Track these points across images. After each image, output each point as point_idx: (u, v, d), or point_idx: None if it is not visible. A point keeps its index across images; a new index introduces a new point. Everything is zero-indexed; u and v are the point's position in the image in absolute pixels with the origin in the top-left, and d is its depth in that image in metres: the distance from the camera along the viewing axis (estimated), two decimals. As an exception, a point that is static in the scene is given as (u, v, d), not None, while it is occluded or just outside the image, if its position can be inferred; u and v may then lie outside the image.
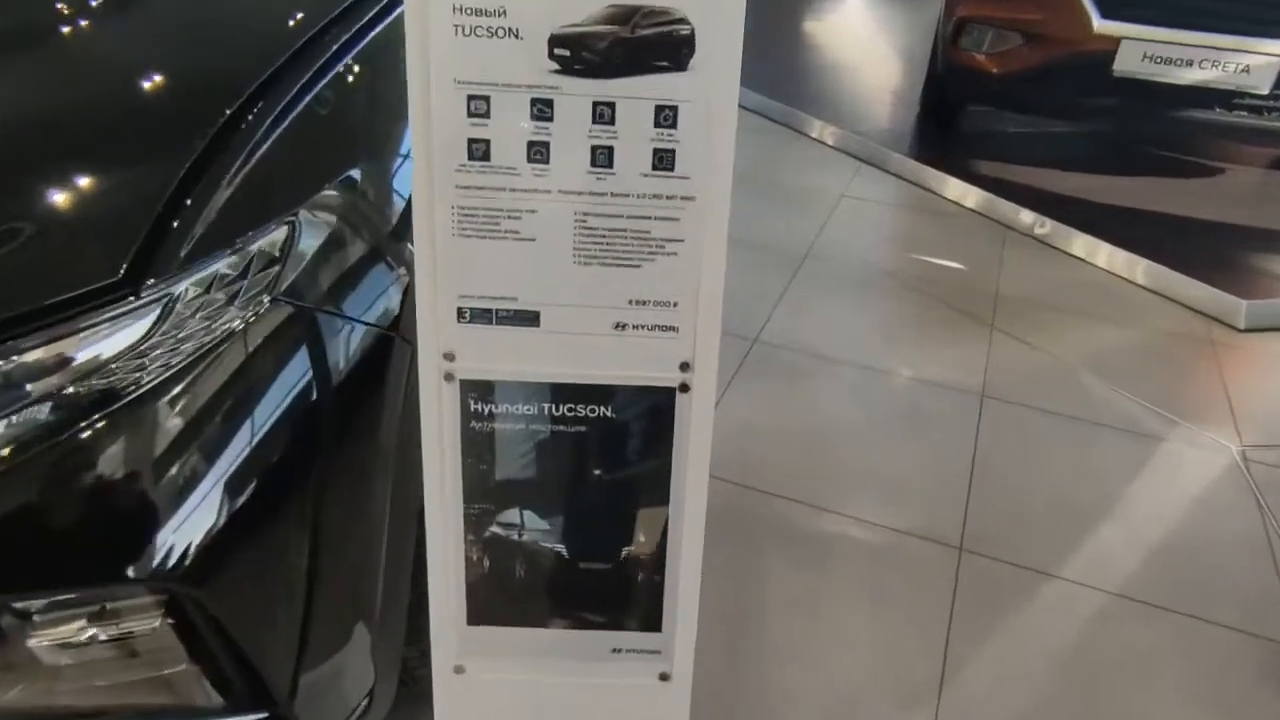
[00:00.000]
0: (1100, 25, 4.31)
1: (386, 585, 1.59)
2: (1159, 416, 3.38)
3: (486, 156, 1.21)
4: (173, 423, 1.27)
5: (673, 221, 1.24)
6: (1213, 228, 4.43)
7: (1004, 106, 4.93)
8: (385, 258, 1.52)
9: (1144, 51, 4.35)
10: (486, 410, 1.34)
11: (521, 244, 1.25)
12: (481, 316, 1.29)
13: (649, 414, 1.34)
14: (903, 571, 2.71)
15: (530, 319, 1.29)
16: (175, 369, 1.24)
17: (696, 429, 1.34)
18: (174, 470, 1.27)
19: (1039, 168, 4.81)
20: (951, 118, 5.10)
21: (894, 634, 2.49)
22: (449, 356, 1.31)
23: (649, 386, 1.33)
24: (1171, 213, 4.49)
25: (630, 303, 1.28)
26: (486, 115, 1.18)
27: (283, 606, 1.41)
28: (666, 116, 1.19)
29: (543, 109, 1.18)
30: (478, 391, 1.33)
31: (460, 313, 1.29)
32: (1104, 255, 4.19)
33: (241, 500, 1.31)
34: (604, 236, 1.25)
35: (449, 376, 1.32)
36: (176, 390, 1.26)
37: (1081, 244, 4.24)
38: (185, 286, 1.25)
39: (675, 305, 1.29)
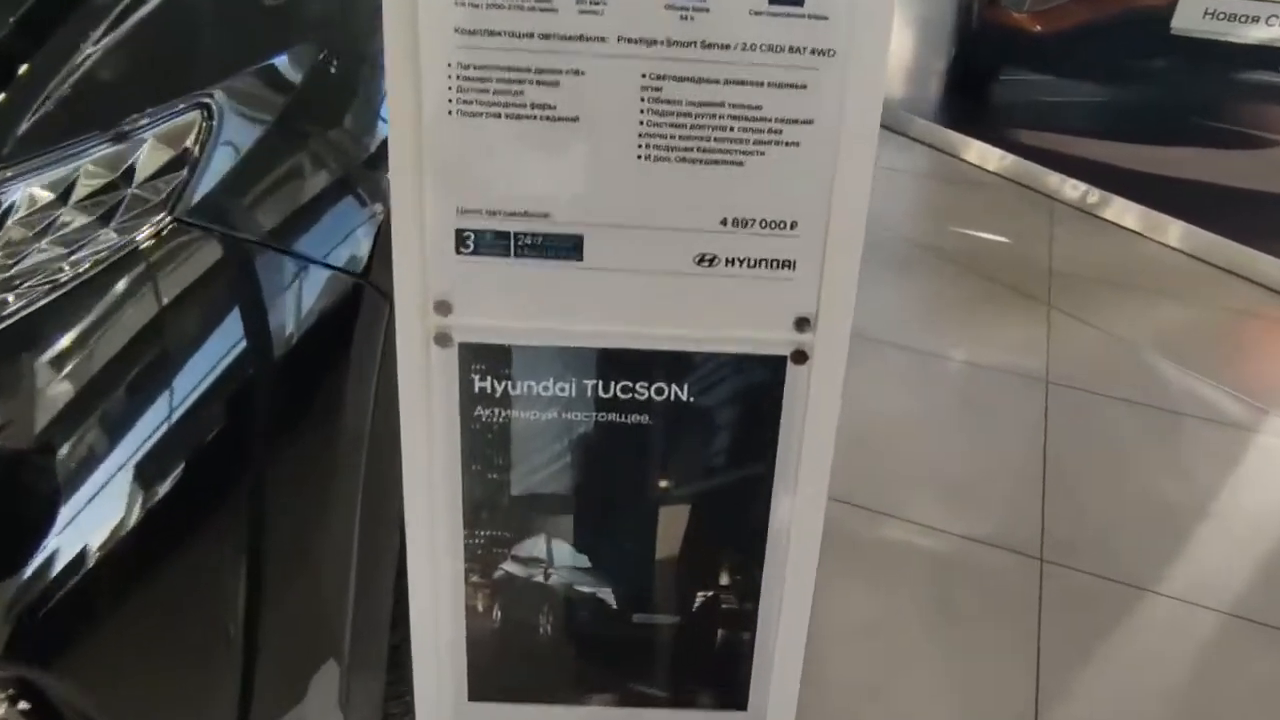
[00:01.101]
0: (1157, -23, 3.82)
1: (358, 622, 1.10)
2: (1243, 404, 2.92)
3: (503, -20, 0.73)
4: (14, 410, 0.78)
5: (797, 91, 0.76)
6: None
7: (1046, 70, 4.44)
8: (351, 176, 1.02)
9: (1205, 6, 3.86)
10: (499, 390, 0.86)
11: (557, 127, 0.77)
12: (492, 245, 0.81)
13: (745, 397, 0.86)
14: (979, 586, 2.26)
15: (568, 248, 0.81)
16: (8, 325, 0.76)
17: (816, 419, 0.86)
18: (24, 487, 0.79)
19: (1083, 136, 4.33)
20: (985, 83, 4.60)
21: (975, 662, 2.04)
22: (442, 308, 0.83)
23: (747, 355, 0.85)
24: (1234, 184, 4.02)
25: (724, 223, 0.80)
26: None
27: (203, 670, 0.93)
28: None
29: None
30: (486, 361, 0.85)
31: (460, 238, 0.80)
32: (1164, 228, 3.72)
33: (135, 525, 0.82)
34: (686, 115, 0.77)
35: (442, 338, 0.84)
36: (18, 357, 0.78)
37: (1137, 216, 3.77)
38: (19, 192, 0.76)
39: (793, 227, 0.80)
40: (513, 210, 0.80)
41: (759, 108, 0.77)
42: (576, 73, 0.76)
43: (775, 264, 0.82)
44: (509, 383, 0.86)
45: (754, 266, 0.82)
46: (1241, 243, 3.51)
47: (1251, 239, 3.53)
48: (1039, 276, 3.44)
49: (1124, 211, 3.80)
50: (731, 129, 0.77)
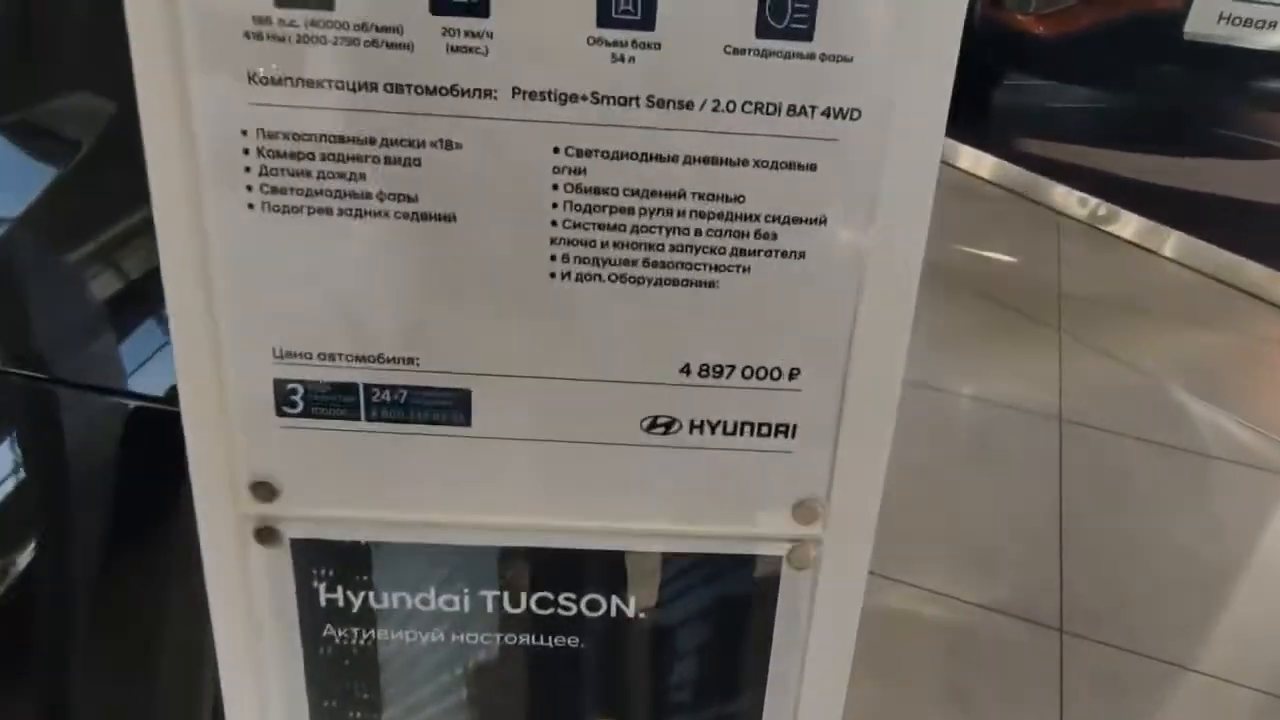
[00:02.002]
0: (1170, -21, 3.53)
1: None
2: (1273, 443, 2.65)
3: (324, 0, 0.43)
4: None
5: (801, 174, 0.47)
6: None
7: (1052, 76, 4.13)
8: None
9: (1220, 10, 3.57)
10: (357, 603, 0.56)
11: (423, 231, 0.47)
12: (332, 403, 0.51)
13: (719, 613, 0.57)
14: (993, 663, 2.02)
15: (447, 408, 0.51)
16: None
17: (823, 644, 0.56)
18: None
19: (1091, 146, 4.04)
20: (987, 89, 4.29)
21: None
22: (263, 491, 0.53)
23: (722, 555, 0.55)
24: (1254, 200, 3.73)
25: (686, 371, 0.51)
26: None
27: None
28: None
29: None
30: (335, 564, 0.55)
31: (283, 395, 0.51)
32: (1178, 246, 3.43)
33: None
34: (625, 212, 0.47)
35: (266, 534, 0.54)
36: None
37: (1149, 232, 3.48)
38: None
39: (794, 376, 0.51)
40: (360, 353, 0.50)
41: (740, 199, 0.47)
42: (448, 145, 0.46)
43: (765, 429, 0.52)
44: (370, 593, 0.56)
45: (732, 433, 0.52)
46: (1263, 263, 3.23)
47: (1274, 259, 3.25)
48: (1048, 300, 3.17)
49: (1135, 227, 3.52)
50: (698, 232, 0.48)
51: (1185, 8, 3.52)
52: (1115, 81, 4.05)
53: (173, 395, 0.58)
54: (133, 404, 0.65)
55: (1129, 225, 3.54)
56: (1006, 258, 3.40)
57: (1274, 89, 3.62)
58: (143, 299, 0.68)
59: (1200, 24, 3.56)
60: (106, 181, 0.68)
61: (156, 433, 0.66)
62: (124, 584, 0.70)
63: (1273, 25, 3.50)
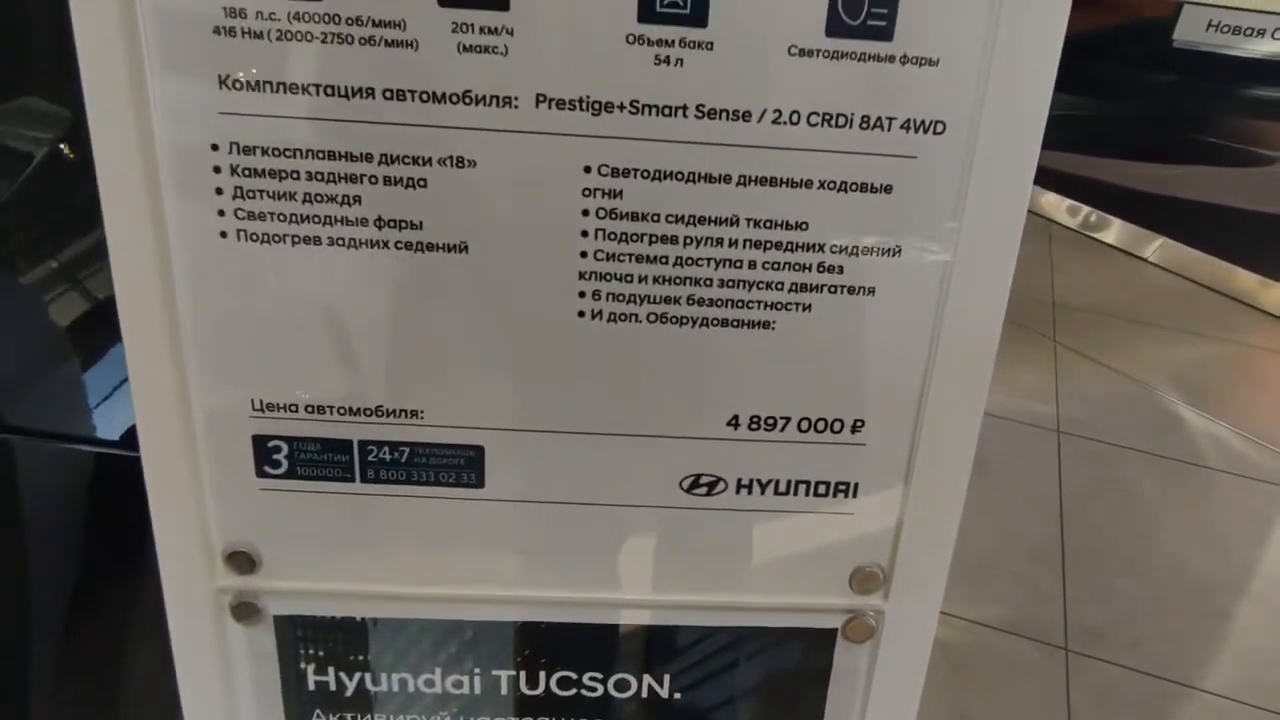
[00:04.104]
0: (1159, -13, 3.50)
1: None
2: (1272, 453, 2.62)
3: (308, -13, 0.35)
4: None
5: (874, 198, 0.39)
6: (1287, 224, 3.66)
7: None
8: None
9: (1209, 18, 3.54)
10: (351, 685, 0.48)
11: (429, 262, 0.39)
12: (321, 462, 0.43)
13: (766, 691, 0.49)
14: (998, 684, 1.96)
15: (456, 468, 0.43)
16: None
17: (885, 727, 0.49)
18: None
19: (1080, 154, 4.00)
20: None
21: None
22: (240, 562, 0.45)
23: (769, 629, 0.47)
24: (1244, 207, 3.71)
25: (734, 424, 0.43)
26: None
27: None
28: None
29: None
30: (325, 642, 0.47)
31: (264, 453, 0.43)
32: (1170, 254, 3.40)
33: None
34: (668, 242, 0.39)
35: (244, 610, 0.46)
36: None
37: (1141, 240, 3.45)
38: None
39: (856, 430, 0.43)
40: (355, 405, 0.42)
41: (803, 226, 0.39)
42: (459, 162, 0.38)
43: (822, 489, 0.45)
44: (366, 675, 0.48)
45: (785, 493, 0.44)
46: (1254, 270, 3.20)
47: (1265, 267, 3.22)
48: (1042, 309, 3.12)
49: (1126, 234, 3.48)
50: (753, 265, 0.40)
51: (1174, 15, 3.49)
52: (1105, 89, 4.02)
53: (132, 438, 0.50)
54: (92, 450, 0.57)
55: (1118, 232, 3.51)
56: (999, 266, 3.36)
57: (1264, 96, 3.60)
58: (102, 328, 0.60)
59: (1189, 31, 3.52)
60: (61, 198, 0.60)
61: (119, 480, 0.58)
62: (90, 641, 0.62)
63: (1262, 33, 3.47)
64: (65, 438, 0.56)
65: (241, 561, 0.45)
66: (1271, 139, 4.13)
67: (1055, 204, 3.61)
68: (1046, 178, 3.72)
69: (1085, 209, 3.54)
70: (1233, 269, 3.23)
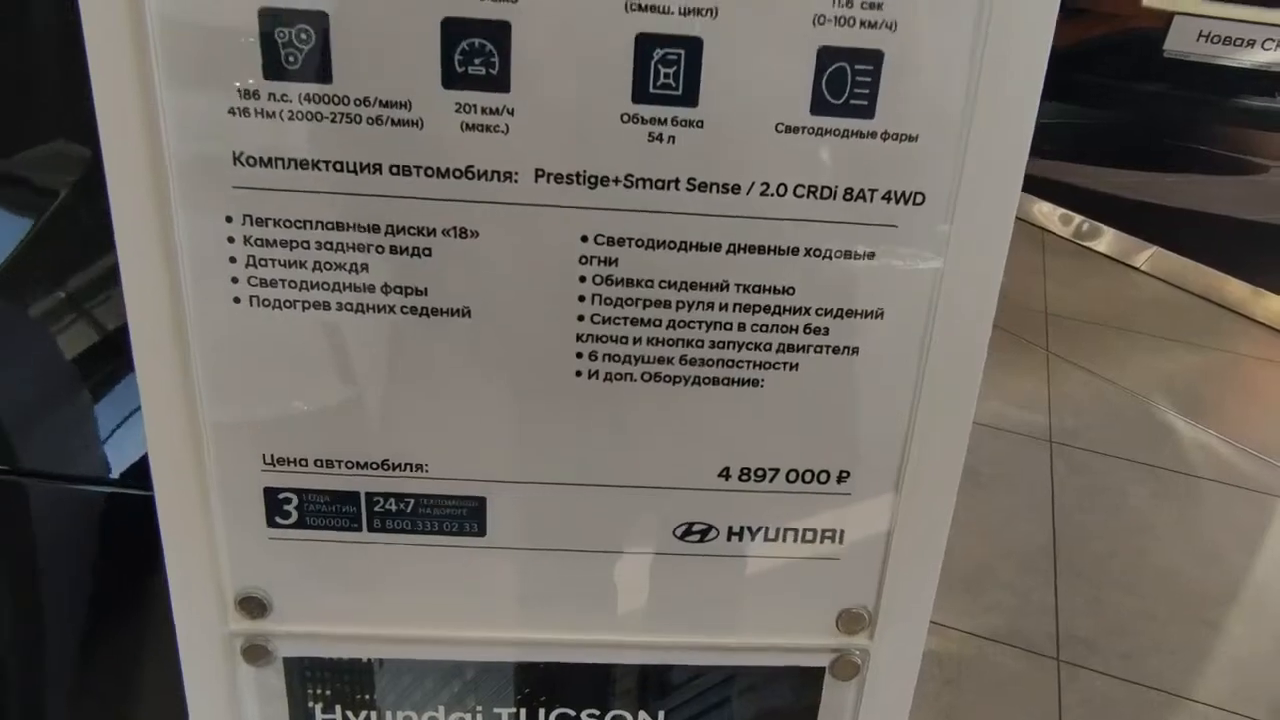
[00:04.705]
0: (1149, -2, 3.52)
1: None
2: (1268, 467, 2.63)
3: (320, 71, 0.37)
4: None
5: (858, 263, 0.41)
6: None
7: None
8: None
9: (1199, 29, 3.56)
10: (356, 723, 0.50)
11: (432, 326, 0.41)
12: (330, 514, 0.45)
13: (757, 728, 0.51)
14: (989, 695, 1.96)
15: (460, 518, 0.45)
16: None
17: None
18: None
19: (1072, 162, 4.02)
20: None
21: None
22: (252, 607, 0.47)
23: (760, 668, 0.49)
24: (1234, 215, 3.73)
25: (725, 475, 0.45)
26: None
27: None
28: (869, -51, 0.35)
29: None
30: (333, 683, 0.49)
31: (276, 504, 0.45)
32: (1166, 265, 3.42)
33: None
34: (661, 306, 0.41)
35: (255, 653, 0.48)
36: None
37: (1132, 248, 3.48)
38: None
39: (842, 480, 0.45)
40: (362, 459, 0.44)
41: (790, 291, 0.41)
42: (463, 233, 0.40)
43: (810, 535, 0.47)
44: (372, 714, 0.50)
45: (774, 540, 0.46)
46: (1245, 280, 3.22)
47: (1256, 276, 3.24)
48: (1035, 318, 3.14)
49: (1118, 243, 3.51)
50: (743, 327, 0.42)
51: (1165, 26, 3.52)
52: (1097, 98, 4.04)
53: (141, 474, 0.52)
54: (103, 490, 0.58)
55: (1110, 240, 3.53)
56: (992, 275, 3.38)
57: (1254, 106, 3.62)
58: (110, 364, 0.61)
59: (1180, 42, 3.55)
60: (79, 237, 0.62)
61: (130, 518, 0.59)
62: (102, 681, 0.64)
63: (1251, 43, 3.50)
64: (77, 479, 0.57)
65: (253, 606, 0.47)
66: (1261, 147, 4.16)
67: (1048, 213, 3.64)
68: (1040, 186, 3.75)
69: (1078, 218, 3.57)
70: (1224, 278, 3.26)
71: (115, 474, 0.59)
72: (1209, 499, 2.51)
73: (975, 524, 2.35)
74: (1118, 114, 4.26)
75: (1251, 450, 2.67)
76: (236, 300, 0.41)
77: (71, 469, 0.59)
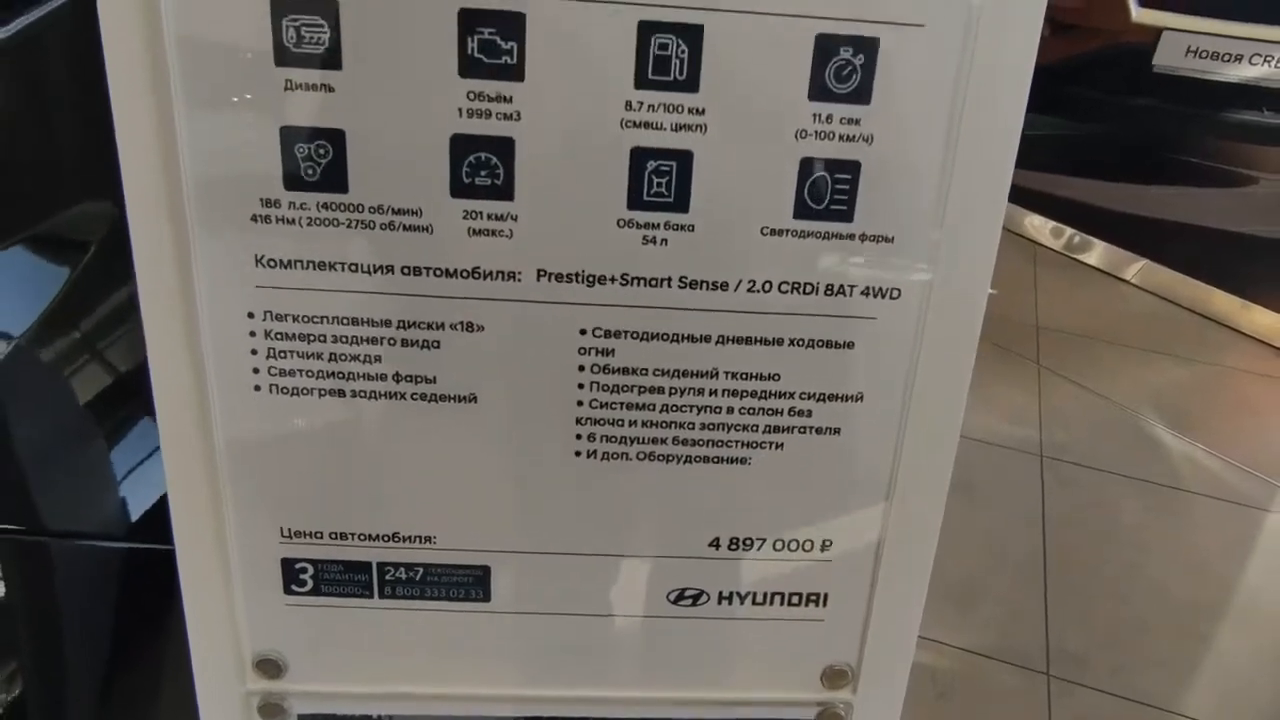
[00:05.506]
0: (1139, 14, 3.56)
1: None
2: (1257, 481, 2.66)
3: (336, 182, 0.40)
4: None
5: (838, 353, 0.44)
6: (1276, 248, 3.71)
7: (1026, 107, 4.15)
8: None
9: (1188, 44, 3.60)
10: (366, 774, 0.53)
11: (441, 411, 0.44)
12: (344, 582, 0.48)
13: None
14: (980, 710, 1.98)
15: (466, 585, 0.48)
16: None
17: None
18: None
19: (1064, 176, 4.06)
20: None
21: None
22: (268, 668, 0.50)
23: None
24: (1222, 228, 3.77)
25: (715, 545, 0.48)
26: (330, 60, 0.37)
27: None
28: (846, 70, 0.39)
29: (495, 36, 0.37)
30: (343, 737, 0.52)
31: (292, 574, 0.47)
32: (1155, 278, 3.45)
33: None
34: (655, 392, 0.44)
35: (270, 710, 0.51)
36: None
37: (1122, 261, 3.51)
38: None
39: (825, 548, 0.48)
40: (374, 532, 0.47)
41: (775, 377, 0.45)
42: (469, 327, 0.43)
43: (795, 599, 0.50)
44: (381, 766, 0.53)
45: (762, 603, 0.49)
46: (1233, 292, 3.25)
47: (1244, 289, 3.27)
48: (1026, 331, 3.16)
49: (1108, 256, 3.54)
50: (731, 410, 0.45)
51: (1154, 41, 3.55)
52: (1088, 112, 4.08)
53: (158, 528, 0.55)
54: (122, 546, 0.61)
55: (1101, 253, 3.57)
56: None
57: (1242, 120, 3.66)
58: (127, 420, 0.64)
59: (1169, 57, 3.59)
60: (104, 297, 0.65)
61: (150, 573, 0.62)
62: None
63: (1239, 58, 3.54)
64: (95, 535, 0.60)
65: (269, 668, 0.50)
66: (1249, 160, 4.21)
67: (1039, 226, 3.67)
68: (1032, 199, 3.79)
69: (1069, 231, 3.60)
70: (1212, 291, 3.29)
71: (133, 530, 0.61)
72: (1198, 513, 2.54)
73: (967, 538, 2.37)
74: (1108, 128, 4.30)
75: (1240, 464, 2.70)
76: (256, 388, 0.44)
77: (90, 526, 0.62)
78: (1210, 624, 2.22)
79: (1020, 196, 3.76)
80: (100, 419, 0.62)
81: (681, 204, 0.41)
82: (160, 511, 0.50)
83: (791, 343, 0.44)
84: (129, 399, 0.63)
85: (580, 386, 0.44)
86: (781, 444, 0.46)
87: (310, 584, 0.48)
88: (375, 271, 0.42)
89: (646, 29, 0.39)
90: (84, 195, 0.63)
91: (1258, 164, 4.24)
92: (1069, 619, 2.19)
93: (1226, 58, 3.59)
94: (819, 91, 0.40)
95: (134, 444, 0.63)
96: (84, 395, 0.60)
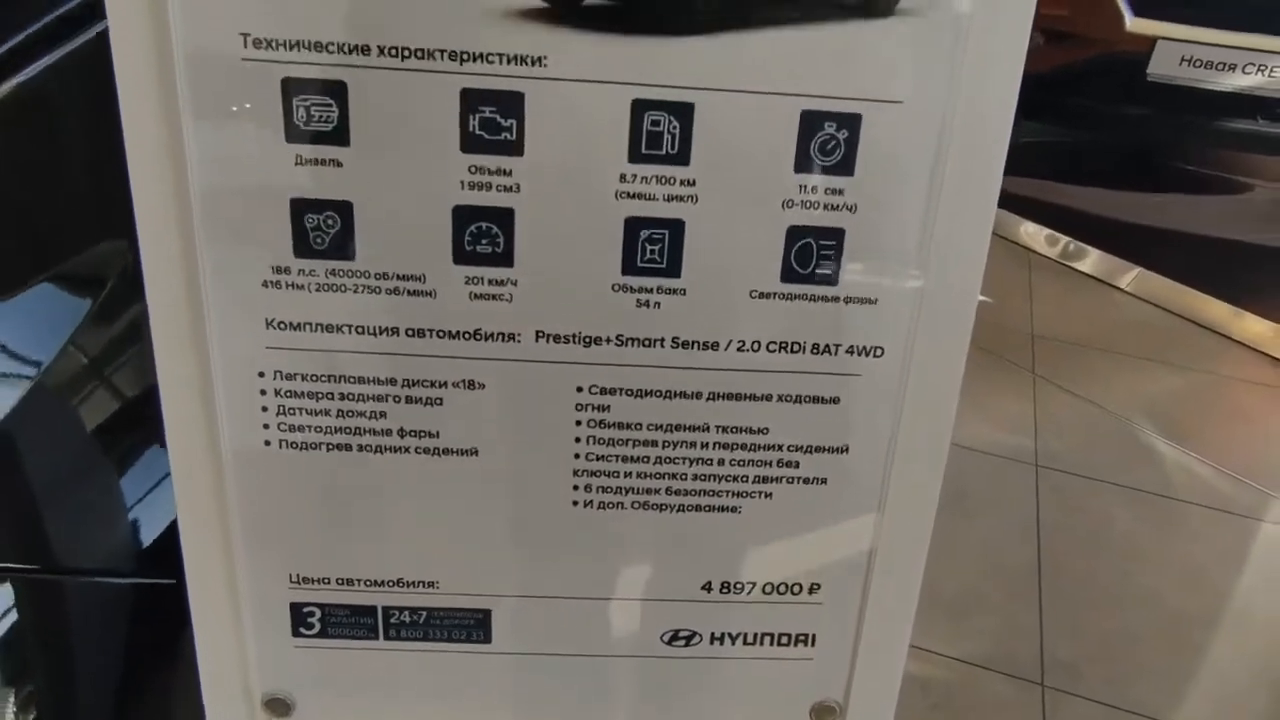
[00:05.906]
0: (1133, 23, 3.57)
1: None
2: (1251, 489, 2.67)
3: (344, 250, 0.42)
4: None
5: (824, 408, 0.46)
6: (1269, 255, 3.73)
7: (1020, 114, 4.17)
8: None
9: (1182, 54, 3.62)
10: (371, 807, 0.54)
11: (444, 464, 0.46)
12: (350, 625, 0.50)
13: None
14: (976, 722, 1.97)
15: (468, 627, 0.50)
16: None
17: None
18: None
19: (1058, 183, 4.08)
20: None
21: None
22: (278, 707, 0.51)
23: (741, 755, 0.54)
24: (1216, 236, 3.79)
25: (707, 589, 0.50)
26: (338, 137, 0.39)
27: None
28: (830, 144, 0.41)
29: (496, 114, 0.39)
30: (349, 771, 0.54)
31: (300, 617, 0.49)
32: (1149, 286, 3.47)
33: None
34: (649, 444, 0.46)
35: (279, 747, 0.52)
36: None
37: (1117, 269, 3.53)
38: None
39: (814, 591, 0.50)
40: (379, 578, 0.49)
41: (764, 431, 0.47)
42: (471, 385, 0.45)
43: (785, 640, 0.52)
44: (386, 799, 0.55)
45: (752, 644, 0.51)
46: (1226, 300, 3.28)
47: (1238, 297, 3.29)
48: (1021, 340, 3.18)
49: (1103, 264, 3.56)
50: (721, 462, 0.47)
51: (1149, 50, 3.57)
52: (1082, 120, 4.10)
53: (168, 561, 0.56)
54: (133, 582, 0.63)
55: (1095, 261, 3.59)
56: (980, 296, 3.42)
57: (1236, 128, 3.68)
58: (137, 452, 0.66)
59: (1163, 66, 3.61)
60: (121, 349, 0.67)
61: (161, 609, 0.64)
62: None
63: (1233, 67, 3.56)
64: (107, 572, 0.62)
65: (278, 706, 0.52)
66: (1242, 168, 4.23)
67: (1034, 234, 3.70)
68: (1026, 207, 3.81)
69: (1064, 239, 3.62)
70: (1207, 299, 3.31)
71: (141, 561, 0.63)
72: (1192, 522, 2.55)
73: (961, 548, 2.38)
74: (1103, 136, 4.32)
75: (1234, 473, 2.71)
76: (267, 443, 0.46)
77: (101, 562, 0.63)
78: (1204, 633, 2.23)
79: (1015, 204, 3.78)
80: (115, 461, 0.64)
81: (674, 269, 0.43)
82: (168, 544, 0.52)
83: (780, 398, 0.46)
84: (143, 440, 0.65)
85: (578, 440, 0.46)
86: (770, 493, 0.48)
87: (318, 627, 0.50)
88: (381, 333, 0.44)
89: (640, 107, 0.41)
90: (100, 238, 0.65)
91: (1252, 172, 4.26)
92: (1063, 628, 2.20)
93: (1221, 67, 3.61)
94: (804, 164, 0.42)
95: (142, 480, 0.65)
96: (99, 438, 0.62)
